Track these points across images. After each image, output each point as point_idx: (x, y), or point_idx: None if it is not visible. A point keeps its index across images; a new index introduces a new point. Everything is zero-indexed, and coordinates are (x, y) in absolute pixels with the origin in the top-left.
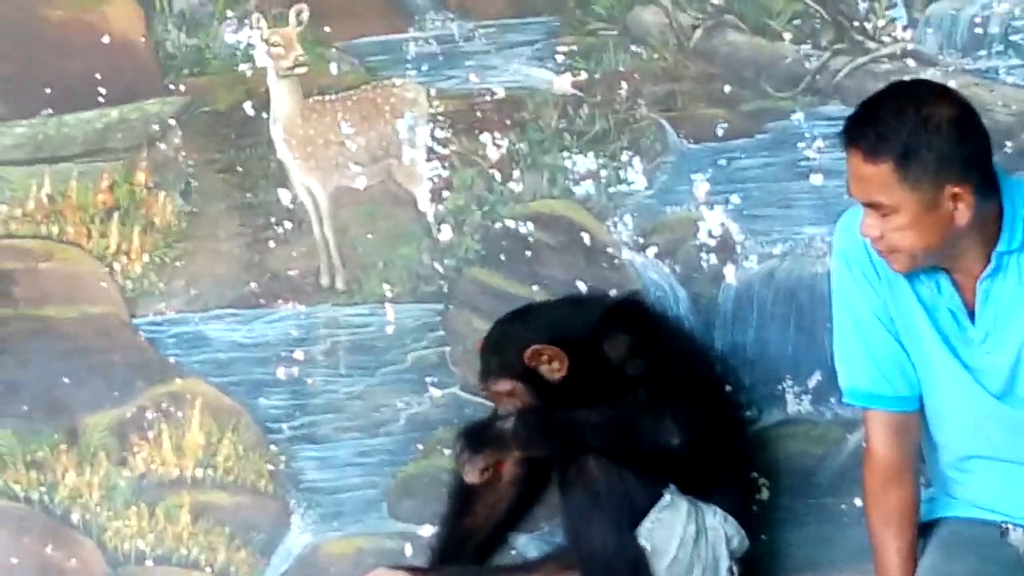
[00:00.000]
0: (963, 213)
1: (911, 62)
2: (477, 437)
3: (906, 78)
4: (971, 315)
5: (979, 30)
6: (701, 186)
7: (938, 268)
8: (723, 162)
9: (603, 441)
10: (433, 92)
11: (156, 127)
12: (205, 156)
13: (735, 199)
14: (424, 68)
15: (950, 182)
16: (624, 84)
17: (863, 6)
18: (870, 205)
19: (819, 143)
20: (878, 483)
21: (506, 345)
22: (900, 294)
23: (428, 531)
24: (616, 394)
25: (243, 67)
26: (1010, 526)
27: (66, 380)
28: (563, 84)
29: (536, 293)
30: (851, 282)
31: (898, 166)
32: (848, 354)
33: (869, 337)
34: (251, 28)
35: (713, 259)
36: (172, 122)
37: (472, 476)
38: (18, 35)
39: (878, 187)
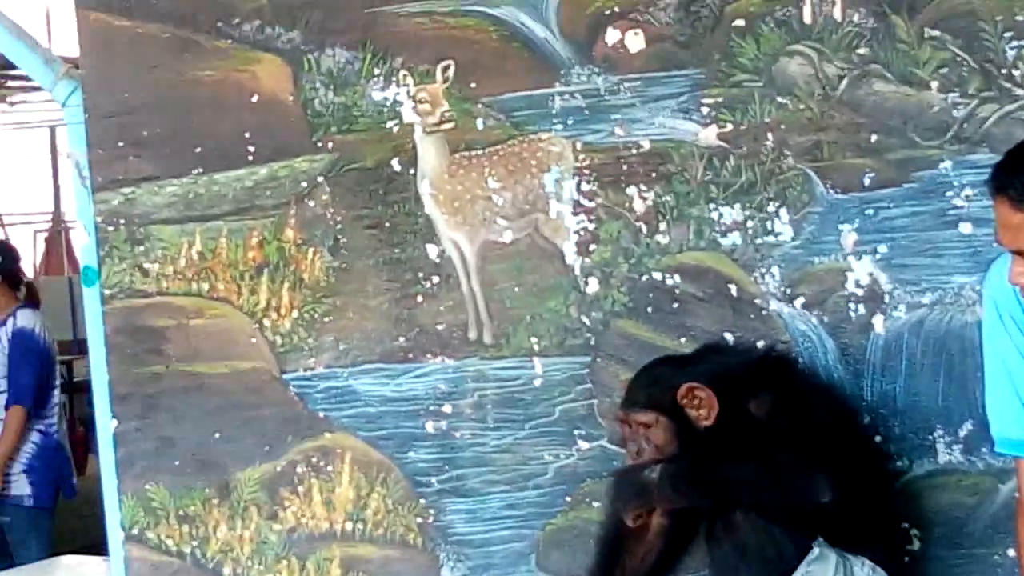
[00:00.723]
0: None
1: None
2: (628, 483)
3: None
4: None
5: None
6: (849, 236)
7: None
8: (871, 212)
9: (752, 496)
10: (579, 146)
11: (305, 184)
12: (353, 212)
13: (883, 249)
14: (570, 122)
15: None
16: (770, 135)
17: (1011, 53)
18: (1019, 253)
19: (967, 191)
20: None
21: (659, 379)
22: None
23: None
24: (762, 448)
25: (390, 124)
26: None
27: (217, 435)
28: (709, 136)
29: (683, 345)
30: (1002, 330)
31: None
32: (999, 402)
33: (1020, 385)
34: (398, 85)
35: (861, 309)
36: (320, 179)
37: (628, 519)
38: (170, 96)
39: None
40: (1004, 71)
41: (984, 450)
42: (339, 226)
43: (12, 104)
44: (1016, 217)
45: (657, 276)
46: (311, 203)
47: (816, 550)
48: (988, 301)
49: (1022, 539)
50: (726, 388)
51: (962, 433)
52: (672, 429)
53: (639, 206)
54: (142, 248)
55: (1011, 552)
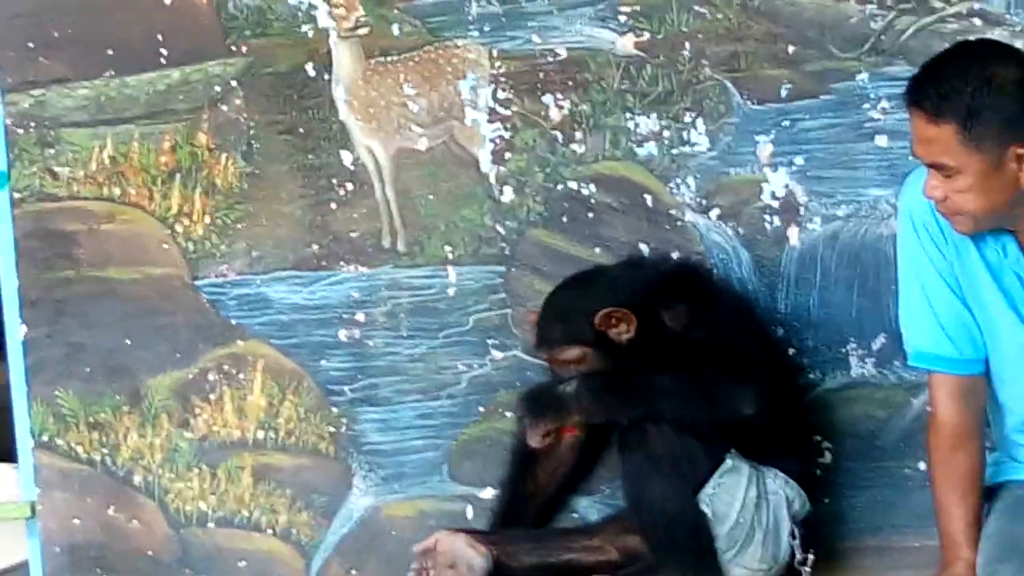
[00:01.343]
0: None
1: (978, 22)
2: (540, 402)
3: (972, 38)
4: None
5: None
6: (765, 148)
7: (1004, 230)
8: (787, 123)
9: (675, 408)
10: (495, 53)
11: (218, 89)
12: (267, 118)
13: (799, 161)
14: (486, 29)
15: (1015, 143)
16: (687, 45)
17: None
18: (934, 166)
19: (884, 104)
20: (943, 447)
21: (572, 311)
22: (966, 256)
23: (489, 494)
24: (681, 360)
25: (305, 28)
26: None
27: (128, 342)
28: (626, 45)
29: (598, 255)
30: (917, 244)
31: (962, 127)
32: (914, 316)
33: (935, 299)
34: None
35: (777, 221)
36: (234, 84)
37: (535, 441)
38: None
39: (942, 148)
40: None
41: (896, 363)
42: (252, 131)
43: None
44: (931, 130)
45: (573, 185)
46: (224, 108)
47: (729, 462)
48: (903, 214)
49: (932, 453)
50: (641, 301)
51: (875, 346)
52: (600, 356)
53: (555, 115)
54: (52, 151)
55: (921, 465)
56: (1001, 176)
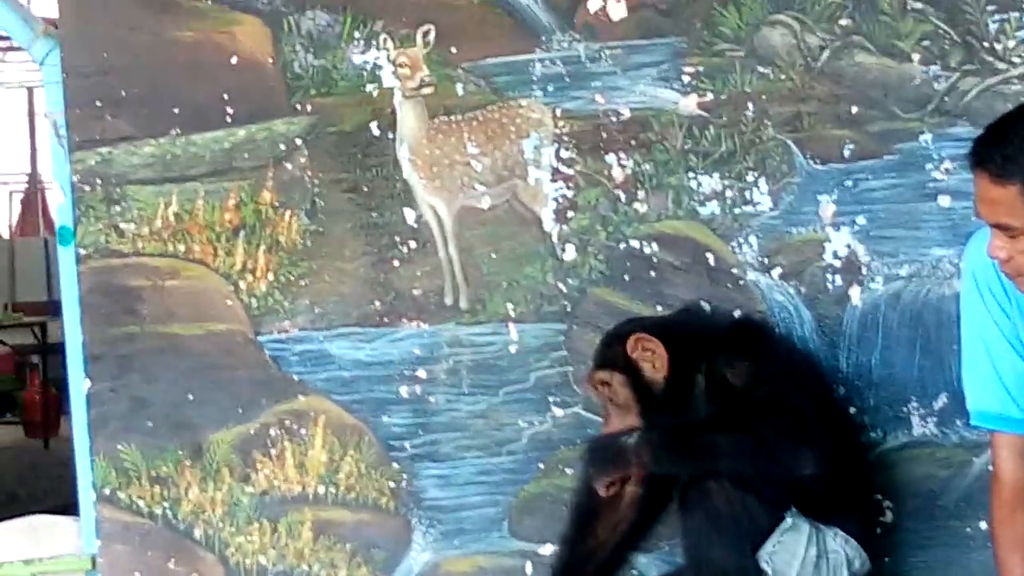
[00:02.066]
0: None
1: None
2: (602, 451)
3: None
4: None
5: None
6: (827, 207)
7: None
8: (850, 183)
9: (734, 466)
10: (559, 113)
11: (283, 147)
12: (331, 176)
13: (861, 220)
14: (550, 89)
15: None
16: (750, 105)
17: (994, 27)
18: (998, 227)
19: (947, 164)
20: (1006, 507)
21: (613, 336)
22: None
23: (549, 550)
24: (743, 418)
25: (370, 88)
26: None
27: (191, 397)
28: (689, 105)
29: (660, 314)
30: (981, 303)
31: None
32: (976, 376)
33: (998, 359)
34: (378, 49)
35: (839, 280)
36: (299, 142)
37: (601, 489)
38: (149, 55)
39: (1006, 209)
40: (986, 44)
41: (958, 423)
42: (316, 189)
43: None
44: (995, 191)
45: (635, 244)
46: (289, 166)
47: (789, 520)
48: (967, 274)
49: (994, 512)
50: (689, 345)
51: (937, 406)
52: (627, 384)
53: (618, 174)
54: (118, 208)
55: (983, 525)
56: None
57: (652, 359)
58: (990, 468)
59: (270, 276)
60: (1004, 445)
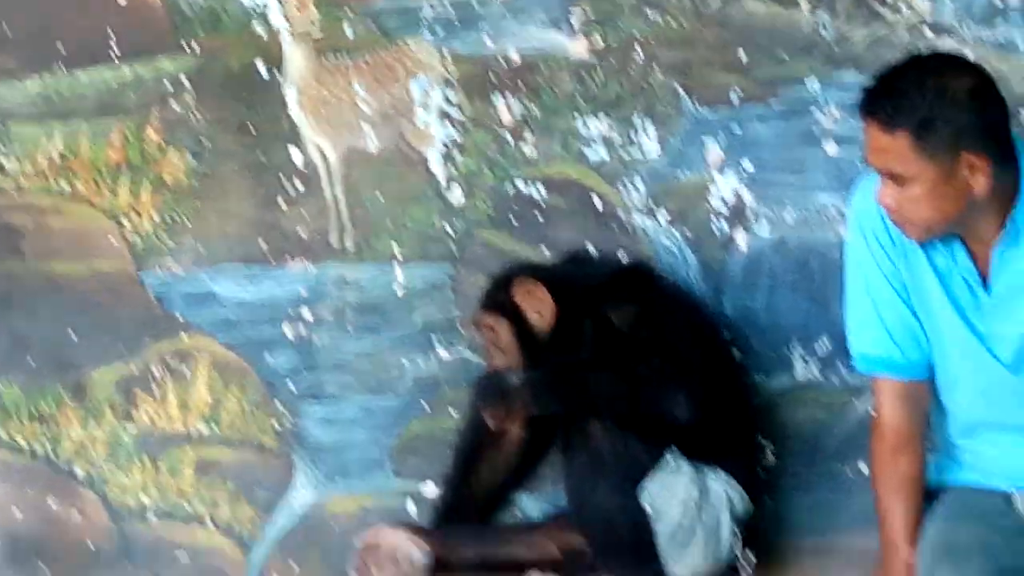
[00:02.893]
0: (980, 183)
1: (928, 32)
2: (488, 390)
3: (923, 48)
4: (984, 283)
5: (997, 1)
6: (714, 152)
7: (953, 236)
8: (737, 128)
9: (612, 407)
10: (448, 55)
11: (169, 85)
12: (217, 115)
13: (748, 166)
14: (439, 31)
15: (967, 152)
16: (639, 50)
17: None
18: (887, 175)
19: (834, 111)
20: (886, 450)
21: (500, 281)
22: (914, 262)
23: (432, 490)
24: (626, 360)
25: (257, 27)
26: (1016, 494)
27: (73, 335)
28: (578, 49)
29: (545, 257)
30: (865, 249)
31: (915, 137)
32: (860, 320)
33: (881, 303)
34: None
35: (724, 225)
36: (185, 81)
37: (490, 422)
38: None
39: (895, 157)
40: None
41: (841, 367)
42: (203, 128)
43: None
44: (885, 139)
45: (522, 187)
46: (175, 105)
47: (671, 461)
48: (852, 221)
49: (874, 456)
50: (576, 293)
51: (820, 350)
52: (512, 330)
53: (506, 117)
54: (0, 146)
55: (864, 468)
56: (953, 185)
57: (538, 306)
58: (871, 412)
59: (155, 215)
60: (885, 389)
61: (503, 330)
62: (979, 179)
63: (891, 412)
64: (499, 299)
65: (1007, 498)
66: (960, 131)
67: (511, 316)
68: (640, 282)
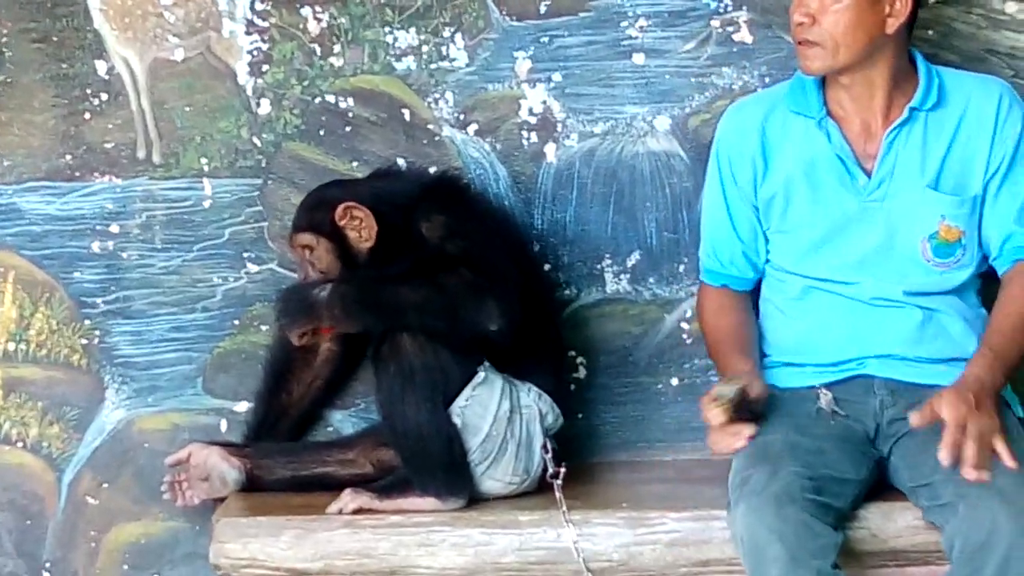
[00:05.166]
0: (894, 22)
1: None
2: (293, 304)
3: None
4: (859, 164)
5: None
6: (523, 64)
7: (827, 117)
8: (545, 39)
9: (422, 320)
10: None
11: None
12: (19, 26)
13: (557, 77)
14: None
15: None
16: None
17: None
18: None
19: (642, 22)
20: (711, 309)
21: (321, 201)
22: (780, 161)
23: (243, 407)
24: (435, 272)
25: None
26: (821, 390)
27: None
28: None
29: (355, 169)
30: (729, 172)
31: None
32: (717, 240)
33: (740, 225)
34: None
35: (534, 137)
36: None
37: (294, 339)
38: None
39: None
40: None
41: (651, 280)
42: (3, 39)
43: None
44: None
45: (330, 99)
46: None
47: (482, 374)
48: (716, 145)
49: (702, 323)
50: (393, 210)
51: (630, 263)
52: (333, 251)
53: (313, 27)
54: None
55: (674, 381)
56: (875, 11)
57: (360, 227)
58: (682, 325)
59: None
60: (711, 295)
61: (323, 250)
62: (896, 14)
63: (713, 309)
64: (317, 219)
65: (815, 395)
66: None
67: (332, 236)
68: (449, 193)
